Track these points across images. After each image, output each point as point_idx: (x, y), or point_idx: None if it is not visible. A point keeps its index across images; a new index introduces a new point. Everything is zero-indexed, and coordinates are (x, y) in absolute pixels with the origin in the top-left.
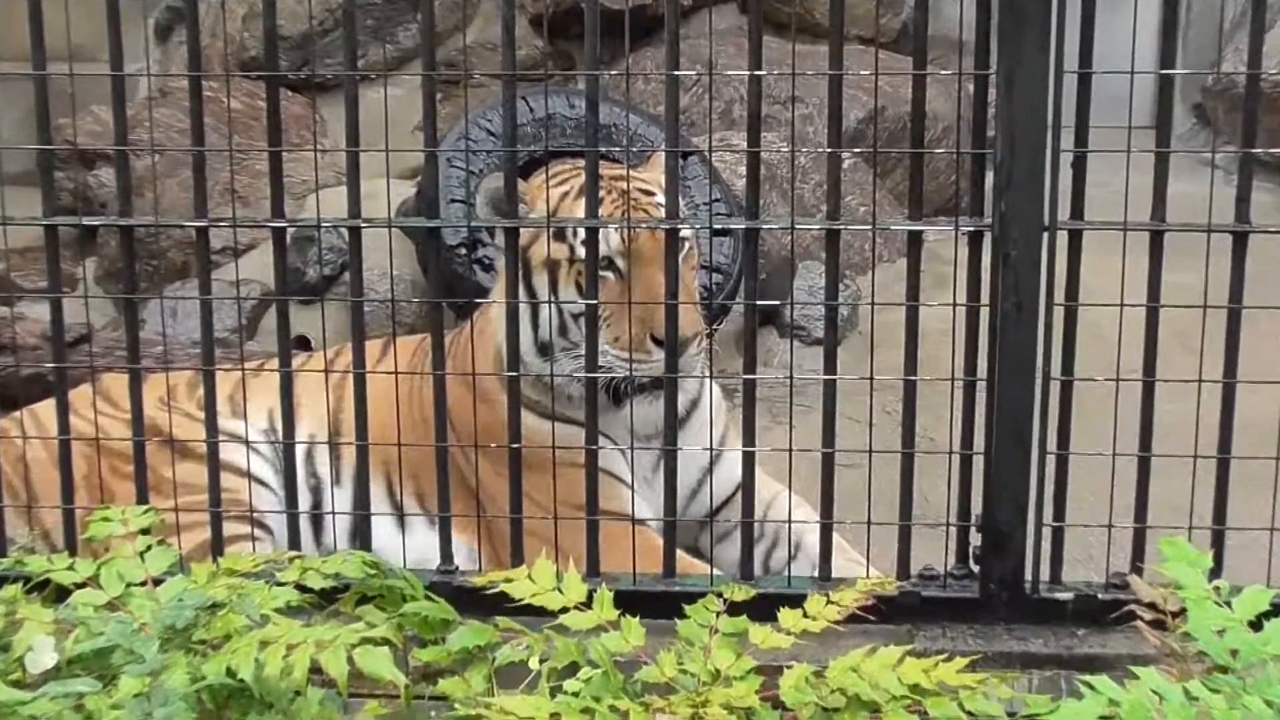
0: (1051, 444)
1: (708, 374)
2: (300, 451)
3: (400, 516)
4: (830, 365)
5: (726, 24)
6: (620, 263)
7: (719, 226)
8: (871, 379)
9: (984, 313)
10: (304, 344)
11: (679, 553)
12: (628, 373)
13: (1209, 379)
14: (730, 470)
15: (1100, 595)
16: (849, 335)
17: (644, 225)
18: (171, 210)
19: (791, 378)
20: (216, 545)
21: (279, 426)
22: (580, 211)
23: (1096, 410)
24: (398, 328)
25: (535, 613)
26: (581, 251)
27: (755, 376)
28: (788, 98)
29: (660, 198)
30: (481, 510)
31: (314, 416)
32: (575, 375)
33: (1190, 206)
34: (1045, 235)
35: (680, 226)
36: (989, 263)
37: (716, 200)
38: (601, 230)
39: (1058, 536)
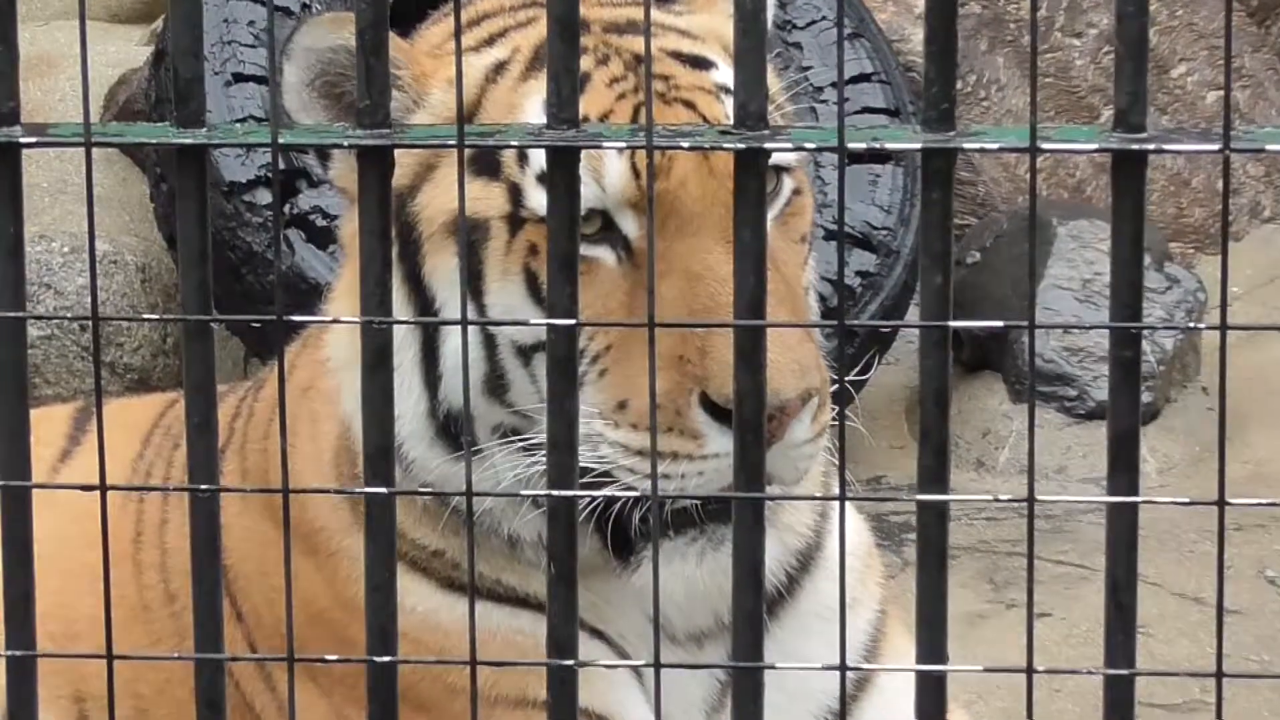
0: None
1: (837, 490)
2: None
3: None
4: (1126, 469)
5: None
6: (630, 227)
7: (863, 143)
8: (1222, 503)
9: None
10: None
11: None
12: (647, 489)
13: None
14: (890, 712)
15: None
16: (1179, 396)
17: (687, 141)
18: None
19: (1033, 498)
20: None
21: None
22: (533, 106)
23: None
24: (110, 377)
25: None
26: (539, 201)
27: (950, 498)
28: None
29: (724, 72)
30: None
31: None
32: (522, 494)
33: None
34: None
35: (773, 144)
36: None
37: (862, 78)
38: (588, 154)
39: None
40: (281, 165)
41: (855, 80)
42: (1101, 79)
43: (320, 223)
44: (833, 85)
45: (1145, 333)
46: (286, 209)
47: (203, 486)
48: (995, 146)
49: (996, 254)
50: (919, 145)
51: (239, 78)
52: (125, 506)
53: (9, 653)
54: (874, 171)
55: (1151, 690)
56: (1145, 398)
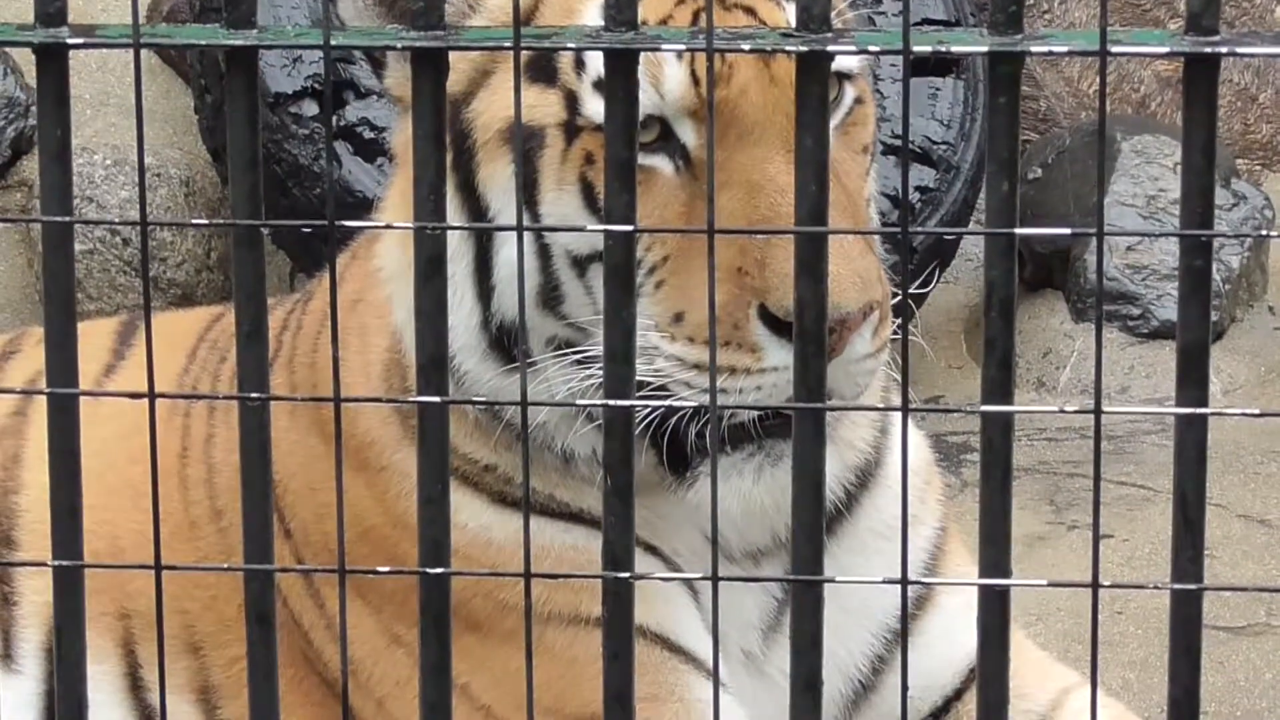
0: None
1: (901, 403)
2: None
3: None
4: (1196, 381)
5: None
6: (689, 135)
7: (929, 46)
8: None
9: None
10: None
11: None
12: (705, 401)
13: None
14: (951, 631)
15: None
16: (1245, 315)
17: (748, 44)
18: None
19: (1099, 409)
20: None
21: None
22: (590, 11)
23: None
24: (154, 292)
25: None
26: (596, 108)
27: (1015, 408)
28: None
29: None
30: None
31: None
32: (579, 404)
33: None
34: None
35: (836, 47)
36: None
37: None
38: (647, 59)
39: None
40: (331, 76)
41: None
42: None
43: (368, 135)
44: None
45: (1214, 238)
46: (334, 121)
47: (253, 395)
48: (1064, 50)
49: (1059, 170)
50: (985, 49)
51: None
52: (171, 421)
53: (56, 562)
54: (934, 85)
55: (1216, 613)
56: (1216, 313)
